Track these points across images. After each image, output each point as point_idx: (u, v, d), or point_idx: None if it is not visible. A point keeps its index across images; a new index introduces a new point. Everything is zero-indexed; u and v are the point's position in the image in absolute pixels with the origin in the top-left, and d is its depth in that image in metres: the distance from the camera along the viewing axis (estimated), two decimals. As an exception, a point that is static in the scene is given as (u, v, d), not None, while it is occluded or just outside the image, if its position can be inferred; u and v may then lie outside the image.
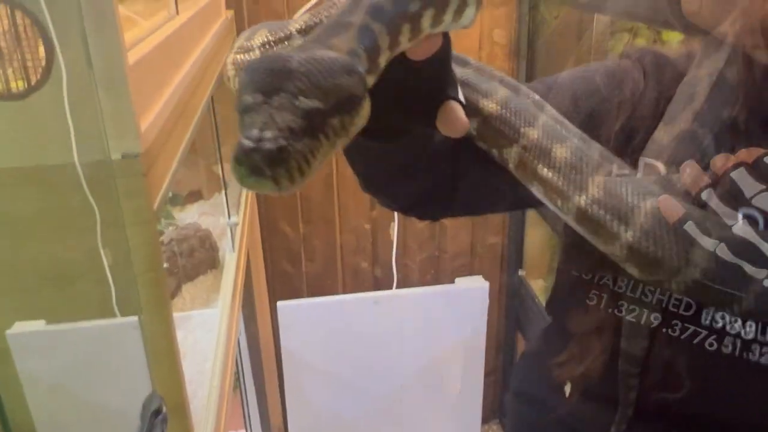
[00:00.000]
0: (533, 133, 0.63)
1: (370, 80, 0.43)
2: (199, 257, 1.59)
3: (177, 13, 1.26)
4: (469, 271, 2.66)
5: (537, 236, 2.59)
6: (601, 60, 1.00)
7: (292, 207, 2.50)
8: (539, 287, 2.53)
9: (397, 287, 2.19)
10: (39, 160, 0.74)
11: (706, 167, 0.59)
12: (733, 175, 0.55)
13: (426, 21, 0.45)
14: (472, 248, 2.64)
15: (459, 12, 0.47)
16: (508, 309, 2.72)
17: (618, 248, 0.58)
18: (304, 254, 2.56)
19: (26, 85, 0.70)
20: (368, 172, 0.66)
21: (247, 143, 0.33)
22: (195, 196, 2.02)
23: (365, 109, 0.40)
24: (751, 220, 0.54)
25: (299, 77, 0.36)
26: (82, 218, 0.75)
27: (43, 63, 0.69)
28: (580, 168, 0.61)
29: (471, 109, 0.63)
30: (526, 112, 0.64)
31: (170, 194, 1.71)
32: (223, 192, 1.74)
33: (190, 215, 1.92)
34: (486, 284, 1.91)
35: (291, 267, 2.58)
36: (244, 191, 2.18)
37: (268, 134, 0.34)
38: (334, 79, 0.37)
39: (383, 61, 0.44)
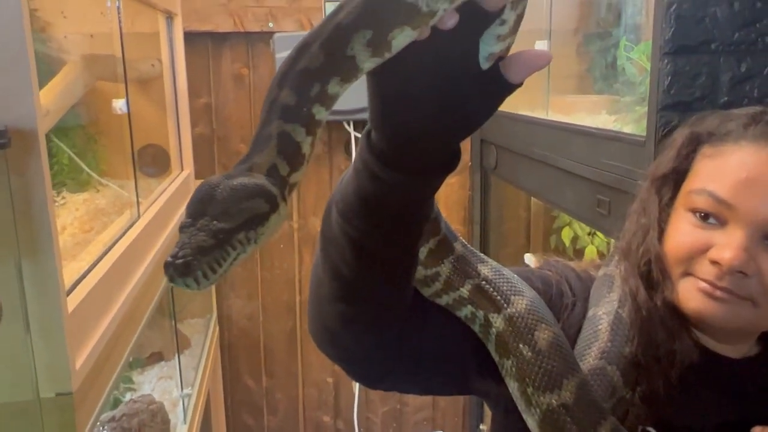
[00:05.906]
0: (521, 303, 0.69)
1: (298, 176, 0.51)
2: (149, 432, 1.62)
3: (138, 216, 1.38)
4: (432, 425, 2.67)
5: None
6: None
7: (256, 361, 2.54)
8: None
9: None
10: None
11: None
12: None
13: (334, 88, 0.51)
14: (434, 402, 2.67)
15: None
16: (472, 463, 2.70)
17: None
18: (267, 408, 2.58)
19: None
20: (331, 310, 0.67)
21: (169, 259, 0.45)
22: (156, 357, 2.07)
23: (272, 220, 0.49)
24: None
25: (216, 204, 0.48)
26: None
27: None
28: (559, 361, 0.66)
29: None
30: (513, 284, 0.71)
31: (131, 358, 1.76)
32: (177, 363, 1.80)
33: (148, 378, 1.96)
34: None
35: (253, 420, 2.59)
36: (205, 350, 2.24)
37: (181, 252, 0.45)
38: (240, 204, 0.48)
39: (308, 147, 0.51)
